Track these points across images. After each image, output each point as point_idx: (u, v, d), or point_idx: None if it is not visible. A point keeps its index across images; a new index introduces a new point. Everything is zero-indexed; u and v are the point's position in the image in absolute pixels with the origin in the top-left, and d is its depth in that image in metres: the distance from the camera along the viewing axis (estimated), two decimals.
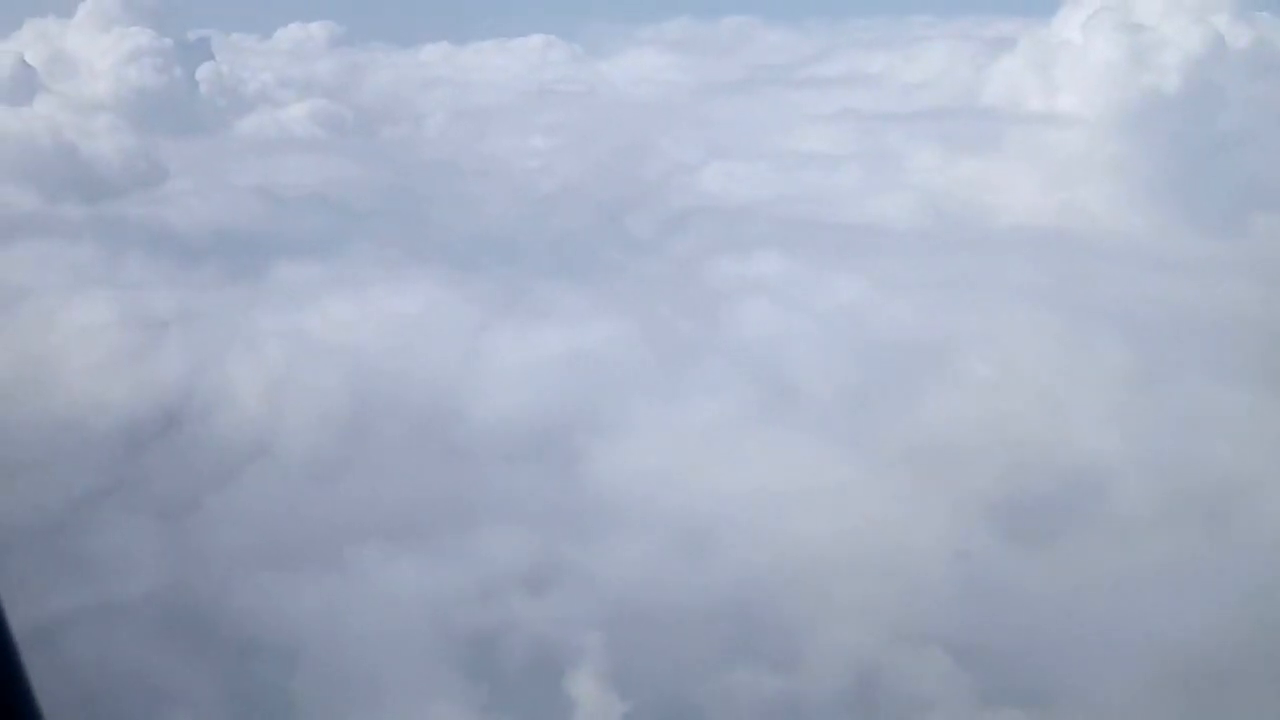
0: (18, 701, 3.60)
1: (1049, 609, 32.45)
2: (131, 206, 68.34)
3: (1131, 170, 70.99)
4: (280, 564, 35.10)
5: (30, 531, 37.87)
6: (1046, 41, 76.22)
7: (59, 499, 39.21)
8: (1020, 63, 77.71)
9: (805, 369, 40.52)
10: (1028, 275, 55.11)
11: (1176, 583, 30.33)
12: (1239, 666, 27.51)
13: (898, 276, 51.57)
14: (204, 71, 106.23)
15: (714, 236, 58.00)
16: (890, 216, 64.52)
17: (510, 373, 40.39)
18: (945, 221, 64.73)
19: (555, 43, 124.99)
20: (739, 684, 30.49)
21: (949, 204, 67.18)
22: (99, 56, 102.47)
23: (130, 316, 46.90)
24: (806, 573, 33.32)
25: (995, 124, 76.47)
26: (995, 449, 38.53)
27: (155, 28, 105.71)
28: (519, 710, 28.82)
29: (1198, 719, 27.42)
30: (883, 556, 33.74)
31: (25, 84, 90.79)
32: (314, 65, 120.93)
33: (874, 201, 66.56)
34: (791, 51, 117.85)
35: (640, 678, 30.61)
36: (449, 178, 79.48)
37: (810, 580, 33.03)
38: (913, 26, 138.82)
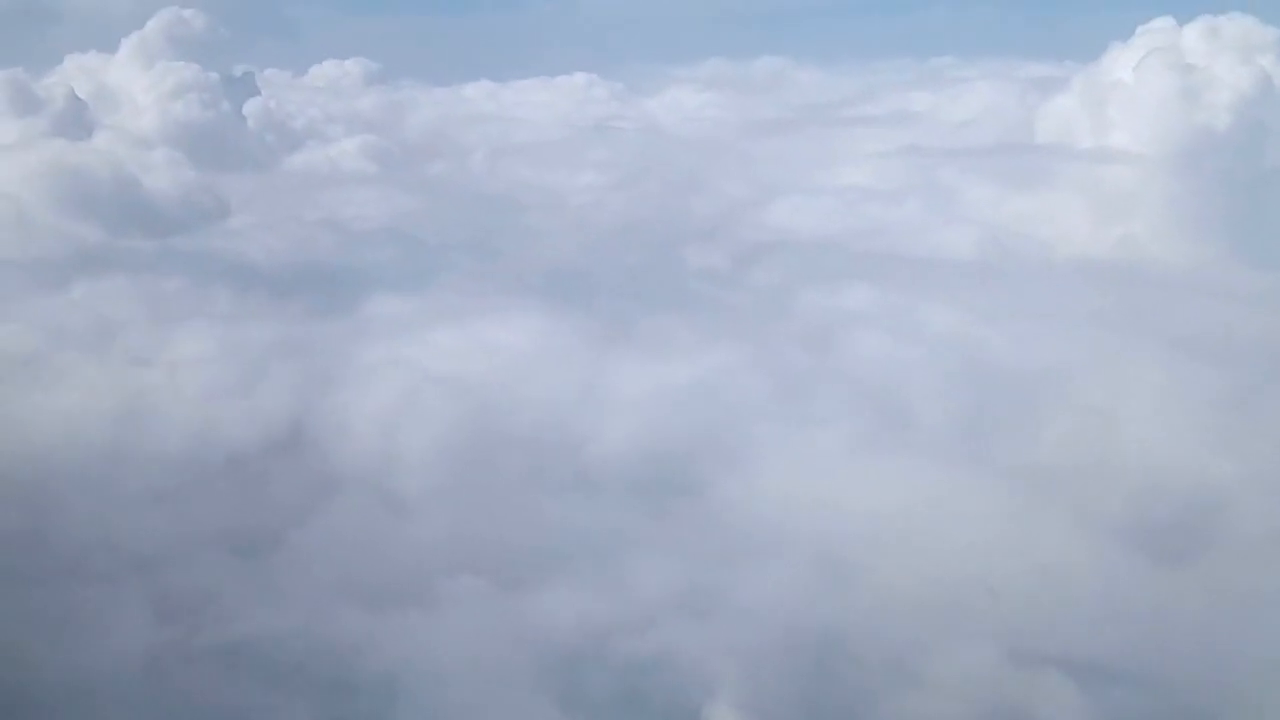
0: None
1: (1180, 630, 32.84)
2: (202, 241, 68.98)
3: (1184, 205, 72.21)
4: (395, 598, 35.26)
5: (140, 565, 38.16)
6: (1097, 81, 77.79)
7: (173, 531, 39.52)
8: (1071, 101, 79.12)
9: (919, 396, 40.96)
10: (1101, 304, 56.22)
11: None
12: None
13: (983, 307, 52.37)
14: (251, 107, 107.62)
15: (794, 270, 58.77)
16: (956, 249, 65.70)
17: (628, 403, 40.60)
18: (1008, 254, 65.83)
19: (597, 81, 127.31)
20: (872, 707, 30.91)
21: (1009, 237, 68.40)
22: (144, 91, 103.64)
23: (231, 349, 47.37)
24: (937, 596, 33.67)
25: (1047, 160, 77.88)
26: (1111, 471, 39.07)
27: (200, 62, 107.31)
28: None
29: None
30: (1010, 578, 34.15)
31: (78, 118, 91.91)
32: (355, 102, 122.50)
33: (938, 235, 67.64)
34: (828, 91, 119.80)
35: (777, 705, 30.96)
36: (510, 212, 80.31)
37: (940, 604, 33.39)
38: (937, 67, 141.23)
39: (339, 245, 66.22)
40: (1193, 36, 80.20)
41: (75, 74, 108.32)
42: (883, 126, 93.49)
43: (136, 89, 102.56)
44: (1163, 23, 76.77)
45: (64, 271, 57.77)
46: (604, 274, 63.56)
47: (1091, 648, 31.70)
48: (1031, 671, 31.47)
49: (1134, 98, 76.13)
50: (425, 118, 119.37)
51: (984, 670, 31.18)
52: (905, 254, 62.57)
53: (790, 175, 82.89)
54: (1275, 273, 62.17)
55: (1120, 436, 41.24)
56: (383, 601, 35.42)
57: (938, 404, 41.10)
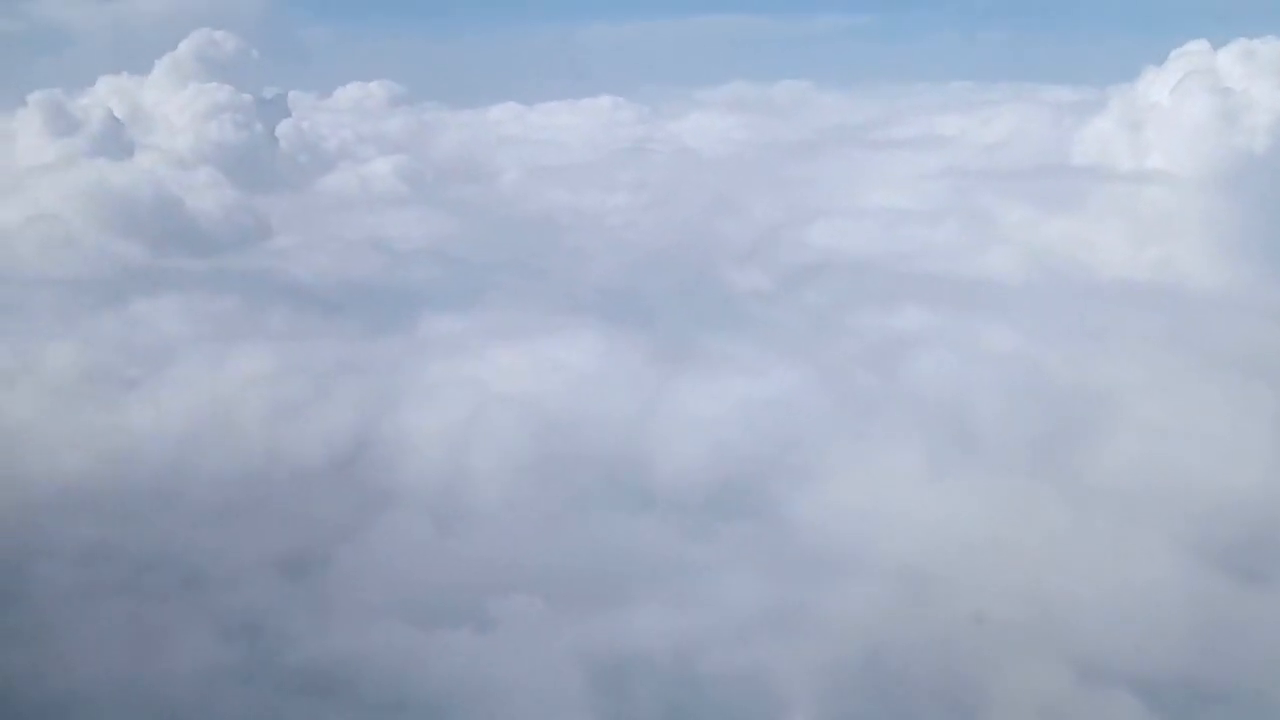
0: None
1: (1252, 647, 32.75)
2: (248, 260, 69.46)
3: (1224, 226, 72.47)
4: (454, 616, 35.22)
5: (200, 581, 38.18)
6: (1134, 104, 78.23)
7: (234, 548, 39.54)
8: (1108, 124, 79.48)
9: (983, 415, 41.24)
10: (1150, 324, 56.52)
11: None
12: None
13: (1036, 327, 52.59)
14: (283, 128, 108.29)
15: (842, 290, 59.00)
16: (998, 270, 65.96)
17: (694, 422, 40.78)
18: (1051, 275, 66.11)
19: (623, 104, 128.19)
20: None
21: (1050, 259, 68.65)
22: (179, 112, 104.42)
23: (292, 368, 47.57)
24: (1009, 613, 33.83)
25: (1084, 182, 78.21)
26: (1178, 489, 39.09)
27: (233, 84, 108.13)
28: None
29: None
30: (1080, 595, 34.27)
31: (117, 139, 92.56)
32: (382, 123, 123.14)
33: (980, 257, 67.88)
34: (851, 114, 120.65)
35: None
36: (548, 232, 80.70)
37: (1011, 621, 33.52)
38: (957, 92, 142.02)
39: (385, 265, 66.62)
40: (1228, 60, 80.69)
41: (108, 96, 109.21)
42: (913, 149, 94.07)
43: (171, 110, 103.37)
44: (1197, 46, 77.35)
45: (117, 290, 58.21)
46: (651, 294, 63.84)
47: (1161, 666, 31.95)
48: (1102, 690, 31.70)
49: (1171, 120, 76.49)
50: (453, 139, 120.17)
51: (1055, 689, 31.38)
52: (949, 275, 62.79)
53: (825, 197, 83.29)
54: None
55: (1184, 454, 41.44)
56: (444, 619, 35.49)
57: (1002, 422, 41.38)
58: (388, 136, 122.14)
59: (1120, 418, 43.32)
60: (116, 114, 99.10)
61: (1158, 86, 78.69)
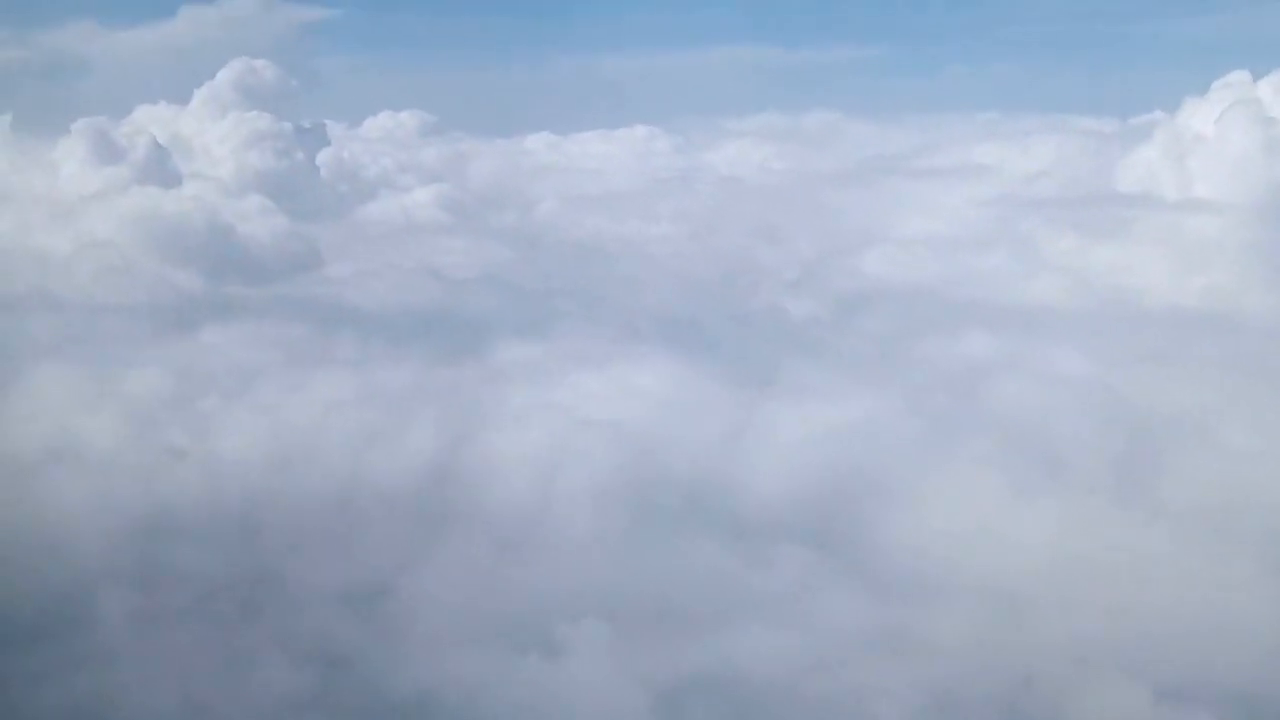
0: None
1: None
2: (305, 287, 69.81)
3: (1270, 254, 72.88)
4: (535, 641, 35.28)
5: (284, 605, 38.16)
6: (1177, 134, 78.76)
7: (318, 571, 39.50)
8: (1152, 153, 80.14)
9: (1064, 438, 41.46)
10: (1207, 349, 56.66)
11: None
12: None
13: (1100, 352, 52.97)
14: (323, 157, 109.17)
15: (902, 317, 59.39)
16: (1051, 297, 66.37)
17: (780, 447, 40.93)
18: (1102, 302, 66.45)
19: (658, 133, 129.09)
20: None
21: (1099, 286, 68.99)
22: (220, 141, 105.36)
23: (370, 394, 47.72)
24: (1101, 631, 33.88)
25: (1128, 210, 78.80)
26: (1260, 510, 38.99)
27: (272, 112, 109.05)
28: None
29: None
30: (1163, 615, 34.30)
31: (162, 166, 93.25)
32: (417, 153, 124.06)
33: (1031, 283, 68.30)
34: (884, 144, 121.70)
35: None
36: (596, 260, 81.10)
37: (1100, 639, 33.57)
38: (986, 122, 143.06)
39: (443, 292, 66.91)
40: (1270, 90, 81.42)
41: (147, 124, 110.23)
42: (954, 178, 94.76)
43: (211, 138, 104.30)
44: (1239, 77, 78.17)
45: (182, 317, 58.53)
46: (711, 321, 64.09)
47: (1242, 686, 31.94)
48: (1183, 710, 31.64)
49: (1216, 150, 77.13)
50: (489, 168, 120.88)
51: (1138, 709, 31.39)
52: (1004, 301, 63.19)
53: (871, 225, 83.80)
54: None
55: (1261, 474, 41.55)
56: (516, 645, 35.47)
57: (1081, 445, 41.68)
58: (424, 166, 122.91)
59: (1195, 439, 43.56)
60: (160, 142, 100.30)
61: (1200, 117, 79.50)
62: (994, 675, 31.37)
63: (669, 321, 62.32)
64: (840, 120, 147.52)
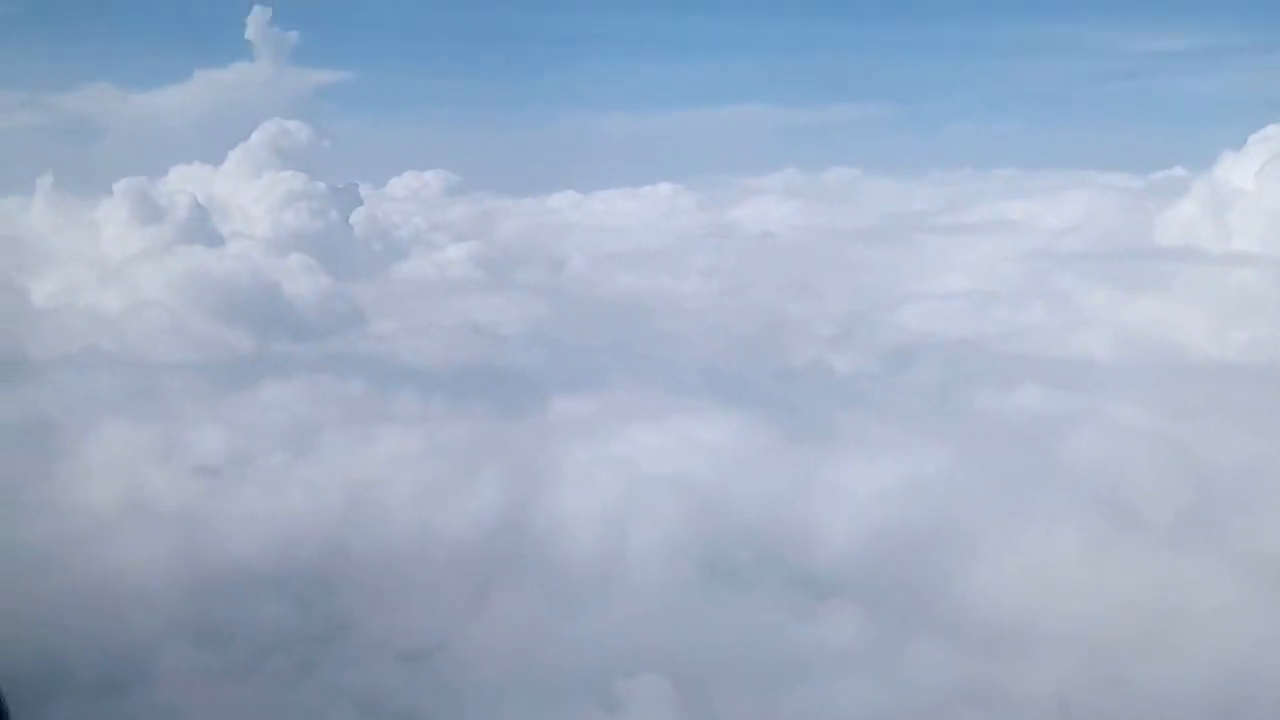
0: None
1: None
2: (353, 345, 70.34)
3: None
4: (594, 696, 35.08)
5: (349, 662, 38.06)
6: (1216, 187, 79.63)
7: (387, 625, 39.44)
8: (1191, 207, 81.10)
9: (1135, 489, 41.50)
10: (1260, 402, 56.76)
11: None
12: None
13: (1156, 405, 53.06)
14: (356, 216, 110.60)
15: (949, 371, 59.67)
16: (1094, 351, 66.62)
17: (847, 500, 41.06)
18: (1146, 355, 66.61)
19: (682, 191, 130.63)
20: None
21: (1141, 340, 69.21)
22: (255, 201, 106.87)
23: (433, 450, 47.92)
24: (1186, 684, 33.62)
25: (1165, 264, 79.50)
26: None
27: (306, 172, 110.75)
28: None
29: None
30: (1252, 670, 34.04)
31: (203, 226, 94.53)
32: (445, 212, 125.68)
33: (1074, 337, 68.61)
34: (907, 200, 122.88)
35: None
36: (634, 316, 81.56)
37: (1188, 691, 33.28)
38: (1006, 178, 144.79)
39: (489, 348, 67.39)
40: None
41: (184, 185, 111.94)
42: (984, 234, 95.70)
43: (247, 198, 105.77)
44: (1277, 130, 78.98)
45: (238, 374, 58.94)
46: (758, 375, 64.37)
47: None
48: None
49: (1256, 203, 77.82)
50: (516, 226, 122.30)
51: None
52: (1048, 355, 63.45)
53: (905, 281, 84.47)
54: None
55: None
56: (574, 698, 35.34)
57: (1154, 497, 41.64)
58: (452, 224, 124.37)
59: (1264, 490, 43.55)
60: (199, 203, 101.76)
61: (1238, 170, 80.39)
62: None
63: (715, 376, 62.63)
64: (859, 177, 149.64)
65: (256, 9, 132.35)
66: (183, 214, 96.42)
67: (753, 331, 76.50)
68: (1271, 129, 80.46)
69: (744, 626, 37.77)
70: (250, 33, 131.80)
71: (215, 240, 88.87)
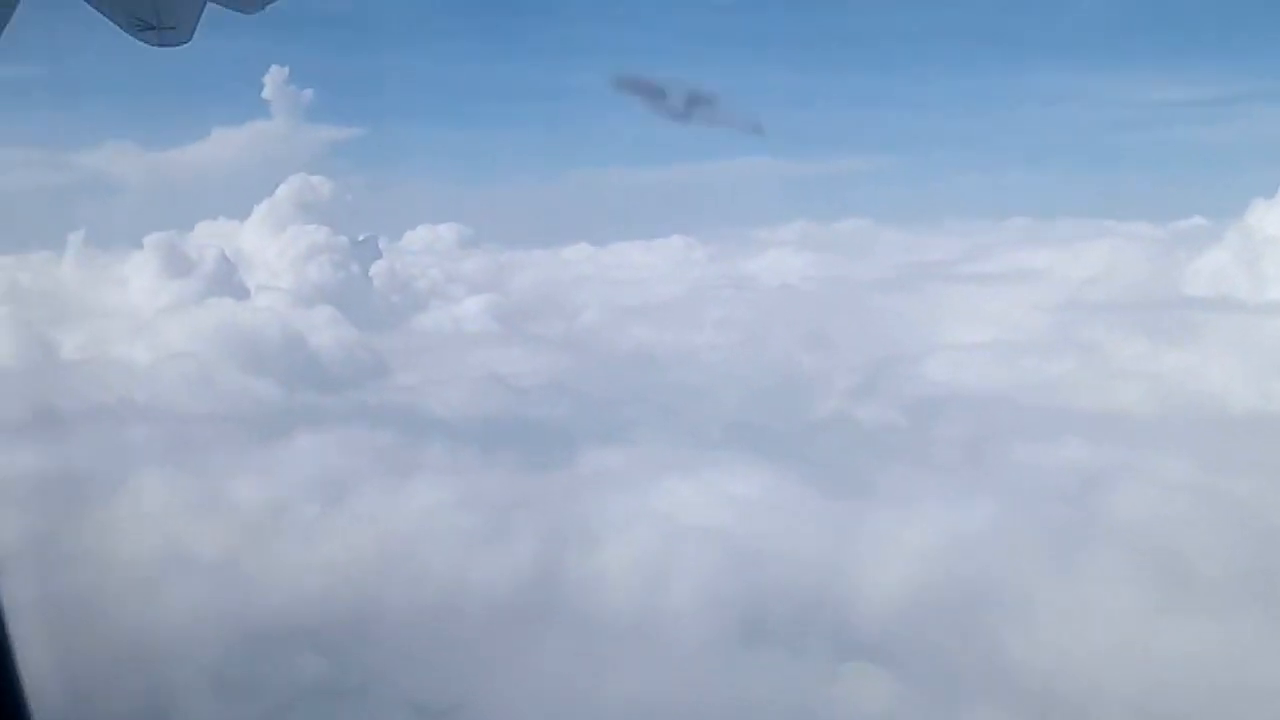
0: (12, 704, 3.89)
1: None
2: (380, 396, 70.47)
3: None
4: None
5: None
6: (1248, 235, 79.77)
7: (428, 684, 39.06)
8: (1222, 255, 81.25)
9: (1195, 547, 40.83)
10: None
11: None
12: None
13: (1202, 458, 52.30)
14: (376, 269, 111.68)
15: (985, 423, 59.25)
16: (1130, 403, 66.04)
17: (898, 556, 40.68)
18: (1184, 408, 65.83)
19: (693, 243, 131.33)
20: None
21: (1179, 392, 68.46)
22: (279, 254, 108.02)
23: (468, 502, 47.82)
24: None
25: (1198, 314, 79.32)
26: None
27: (328, 226, 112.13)
28: None
29: None
30: None
31: (230, 279, 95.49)
32: (459, 265, 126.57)
33: (1107, 390, 68.15)
34: (923, 251, 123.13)
35: None
36: (652, 368, 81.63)
37: None
38: (1021, 228, 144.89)
39: (514, 400, 67.44)
40: None
41: (210, 239, 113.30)
42: (1005, 284, 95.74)
43: (271, 252, 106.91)
44: None
45: (269, 425, 59.07)
46: (783, 427, 64.15)
47: None
48: None
49: None
50: (531, 278, 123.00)
51: None
52: (1083, 408, 63.04)
53: (925, 331, 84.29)
54: None
55: None
56: None
57: (1212, 557, 40.96)
58: (467, 277, 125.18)
59: None
60: (231, 255, 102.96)
61: (1271, 218, 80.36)
62: None
63: (741, 428, 62.43)
64: (871, 227, 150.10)
65: (274, 69, 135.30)
66: (210, 267, 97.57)
67: (774, 383, 76.33)
68: None
69: (781, 688, 37.27)
70: (267, 92, 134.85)
71: (242, 293, 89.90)
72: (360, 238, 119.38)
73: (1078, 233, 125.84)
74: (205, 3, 9.08)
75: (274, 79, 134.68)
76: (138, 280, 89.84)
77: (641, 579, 40.61)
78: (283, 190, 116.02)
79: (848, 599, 39.60)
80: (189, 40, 9.22)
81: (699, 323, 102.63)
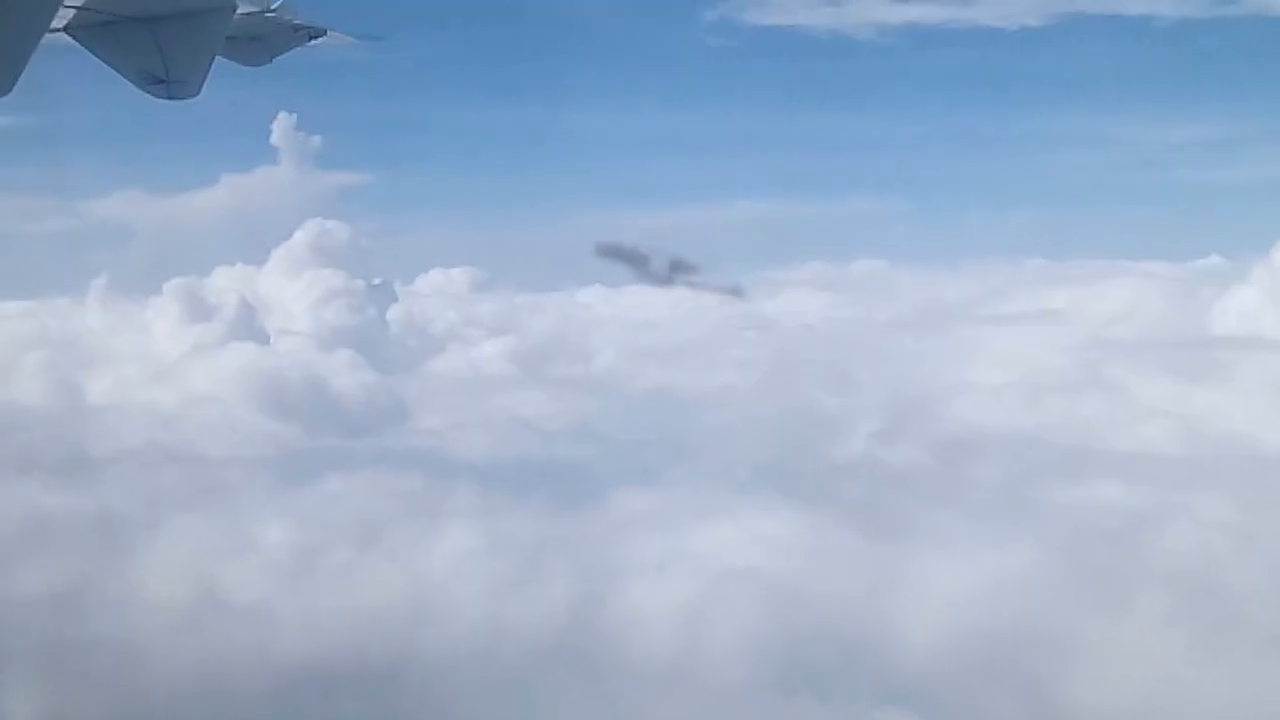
0: None
1: None
2: (403, 439, 70.15)
3: None
4: None
5: None
6: (1276, 274, 79.15)
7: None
8: (1250, 294, 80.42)
9: (1240, 587, 40.63)
10: None
11: None
12: None
13: (1239, 498, 51.45)
14: (393, 313, 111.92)
15: (1017, 464, 58.69)
16: (1161, 443, 65.29)
17: (941, 598, 40.14)
18: (1215, 447, 64.98)
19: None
20: None
21: (1208, 431, 67.69)
22: (296, 299, 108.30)
23: (498, 545, 47.39)
24: None
25: (1225, 353, 78.57)
26: None
27: (344, 271, 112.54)
28: None
29: None
30: None
31: (250, 324, 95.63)
32: (473, 308, 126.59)
33: (1137, 429, 67.54)
34: (939, 291, 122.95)
35: None
36: (674, 410, 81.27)
37: None
38: (1030, 270, 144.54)
39: (538, 443, 67.09)
40: None
41: (229, 284, 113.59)
42: (1027, 324, 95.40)
43: (288, 297, 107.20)
44: None
45: (296, 469, 58.74)
46: (810, 468, 63.59)
47: None
48: None
49: None
50: (547, 321, 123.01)
51: None
52: (1115, 449, 62.45)
53: (949, 372, 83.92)
54: None
55: None
56: None
57: (1255, 596, 40.54)
58: (482, 320, 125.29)
59: None
60: (249, 301, 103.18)
61: None
62: None
63: (769, 470, 61.84)
64: (886, 269, 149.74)
65: (281, 115, 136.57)
66: (230, 313, 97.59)
67: (798, 424, 75.86)
68: None
69: None
70: (275, 138, 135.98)
71: (263, 338, 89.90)
72: (375, 282, 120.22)
73: (1094, 273, 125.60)
74: (213, 58, 9.10)
75: (281, 125, 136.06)
76: (159, 325, 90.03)
77: (678, 621, 40.08)
78: (298, 235, 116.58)
79: (887, 641, 38.99)
80: (197, 94, 9.23)
81: (718, 364, 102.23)
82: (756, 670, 38.32)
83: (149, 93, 9.16)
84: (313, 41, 11.18)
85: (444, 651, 39.60)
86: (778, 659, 38.69)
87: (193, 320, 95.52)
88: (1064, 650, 37.81)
